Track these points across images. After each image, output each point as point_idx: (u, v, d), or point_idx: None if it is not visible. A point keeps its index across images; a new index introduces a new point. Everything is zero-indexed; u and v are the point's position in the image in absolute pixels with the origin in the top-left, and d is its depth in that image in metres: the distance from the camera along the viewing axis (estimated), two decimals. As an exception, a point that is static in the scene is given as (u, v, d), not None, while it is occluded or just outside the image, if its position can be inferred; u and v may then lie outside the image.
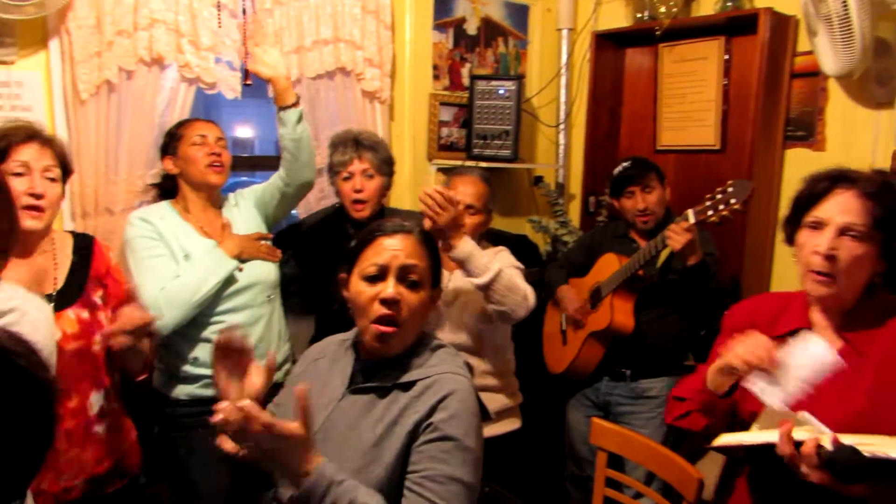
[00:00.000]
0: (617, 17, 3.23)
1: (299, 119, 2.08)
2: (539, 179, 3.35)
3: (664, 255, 2.27)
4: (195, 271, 1.91)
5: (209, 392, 1.94)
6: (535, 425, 2.27)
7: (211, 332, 1.96)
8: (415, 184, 3.02)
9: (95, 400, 1.68)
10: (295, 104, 2.07)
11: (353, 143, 2.25)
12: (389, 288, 1.25)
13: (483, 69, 3.21)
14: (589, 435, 1.95)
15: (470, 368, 1.34)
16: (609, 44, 3.20)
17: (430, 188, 1.74)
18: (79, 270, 1.71)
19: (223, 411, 1.03)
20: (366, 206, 2.22)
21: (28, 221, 1.59)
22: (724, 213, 1.99)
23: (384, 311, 1.24)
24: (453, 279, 2.04)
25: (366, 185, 2.21)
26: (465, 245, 1.80)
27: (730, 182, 2.00)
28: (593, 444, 1.93)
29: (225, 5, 2.39)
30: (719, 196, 2.00)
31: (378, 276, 1.27)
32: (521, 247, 2.87)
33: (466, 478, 1.16)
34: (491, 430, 2.02)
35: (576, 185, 3.41)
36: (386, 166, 2.29)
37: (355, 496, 1.08)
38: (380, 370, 1.29)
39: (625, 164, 2.45)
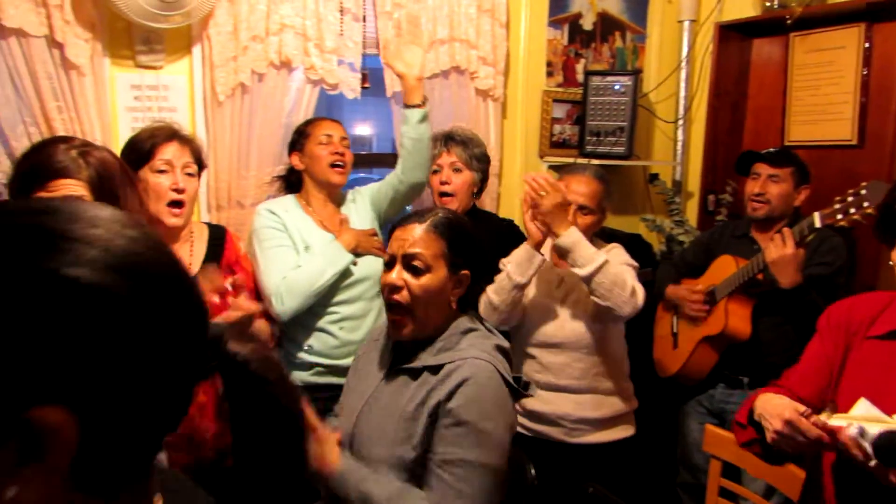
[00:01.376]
0: (743, 7, 3.07)
1: (423, 119, 2.12)
2: (654, 177, 3.25)
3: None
4: (315, 263, 2.01)
5: (321, 380, 2.05)
6: (648, 430, 2.22)
7: (325, 321, 2.06)
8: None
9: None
10: (421, 104, 2.12)
11: (444, 137, 2.30)
12: (392, 275, 1.35)
13: (598, 65, 3.15)
14: (703, 442, 1.88)
15: (506, 353, 1.37)
16: (734, 35, 3.05)
17: (532, 172, 1.75)
18: (212, 258, 1.86)
19: None
20: (452, 200, 2.25)
21: (170, 220, 1.74)
22: (856, 216, 1.84)
23: (389, 297, 1.36)
24: (567, 277, 2.03)
25: (452, 179, 2.24)
26: (571, 234, 1.79)
27: (864, 184, 1.85)
28: (707, 451, 1.86)
29: (348, 9, 2.51)
30: (851, 198, 1.86)
31: (389, 265, 1.38)
32: (634, 246, 2.79)
33: (481, 459, 1.23)
34: (603, 436, 2.00)
35: (694, 183, 3.28)
36: (477, 162, 2.30)
37: (359, 484, 1.23)
38: (414, 352, 1.38)
39: (770, 149, 2.32)
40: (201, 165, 1.88)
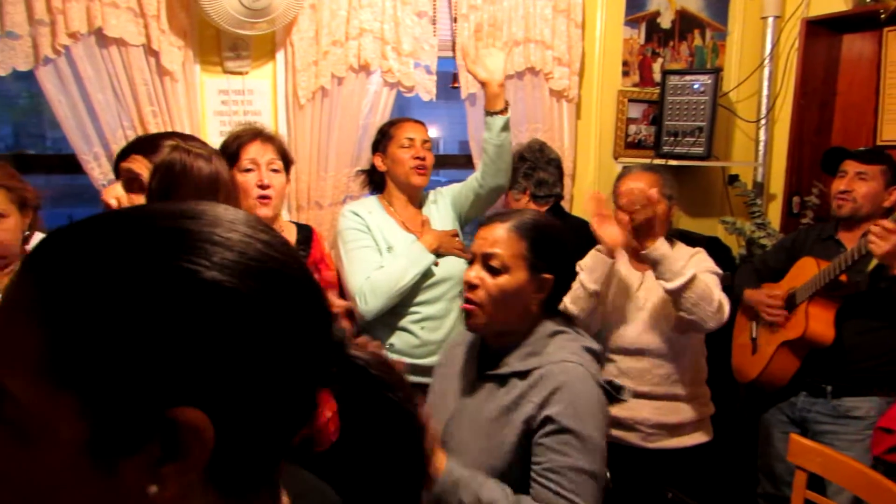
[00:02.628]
0: (833, 2, 2.94)
1: (505, 126, 2.12)
2: (735, 178, 3.15)
3: (876, 259, 2.04)
4: (398, 263, 2.05)
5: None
6: (726, 437, 2.16)
7: (407, 321, 2.10)
8: (599, 182, 2.99)
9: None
10: (504, 110, 2.12)
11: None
12: (471, 272, 1.36)
13: (676, 64, 3.08)
14: (785, 452, 1.82)
15: (595, 355, 1.34)
16: (822, 30, 2.92)
17: (630, 185, 1.76)
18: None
19: None
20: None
21: (261, 210, 1.82)
22: None
23: (465, 294, 1.37)
24: (646, 281, 2.00)
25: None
26: (661, 247, 1.77)
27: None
28: (791, 462, 1.80)
29: (424, 13, 2.55)
30: None
31: (471, 262, 1.39)
32: (712, 249, 2.72)
33: (588, 466, 1.20)
34: (680, 442, 1.96)
35: (777, 185, 3.16)
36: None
37: (479, 491, 1.18)
38: (501, 357, 1.36)
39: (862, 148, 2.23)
40: (287, 161, 1.96)
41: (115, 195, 1.20)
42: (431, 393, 1.54)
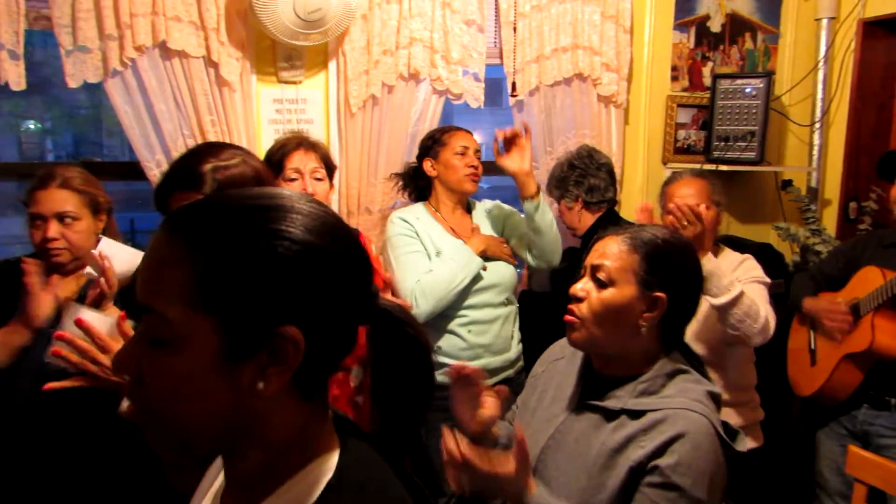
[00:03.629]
0: (890, 2, 2.85)
1: (537, 208, 2.16)
2: (788, 183, 3.09)
3: None
4: (447, 266, 2.08)
5: (448, 380, 2.12)
6: (778, 445, 2.12)
7: (455, 324, 2.13)
8: (648, 188, 2.97)
9: (356, 374, 1.93)
10: (536, 194, 2.15)
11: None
12: (578, 285, 1.27)
13: (727, 67, 3.04)
14: (843, 465, 1.77)
15: (717, 402, 1.23)
16: (881, 31, 2.85)
17: (681, 192, 1.75)
18: None
19: (452, 460, 1.17)
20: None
21: None
22: None
23: (570, 306, 1.27)
24: None
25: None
26: (708, 263, 1.76)
27: None
28: (849, 475, 1.76)
29: (473, 21, 2.58)
30: None
31: (582, 275, 1.31)
32: (764, 256, 2.67)
33: None
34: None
35: (832, 190, 3.09)
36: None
37: None
38: (609, 387, 1.25)
39: None
40: (330, 168, 2.00)
41: None
42: (523, 405, 1.45)
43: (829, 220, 3.06)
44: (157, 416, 0.62)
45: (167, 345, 0.60)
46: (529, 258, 2.29)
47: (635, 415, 1.18)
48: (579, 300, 1.25)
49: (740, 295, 1.74)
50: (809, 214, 2.95)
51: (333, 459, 0.67)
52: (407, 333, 0.72)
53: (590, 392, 1.27)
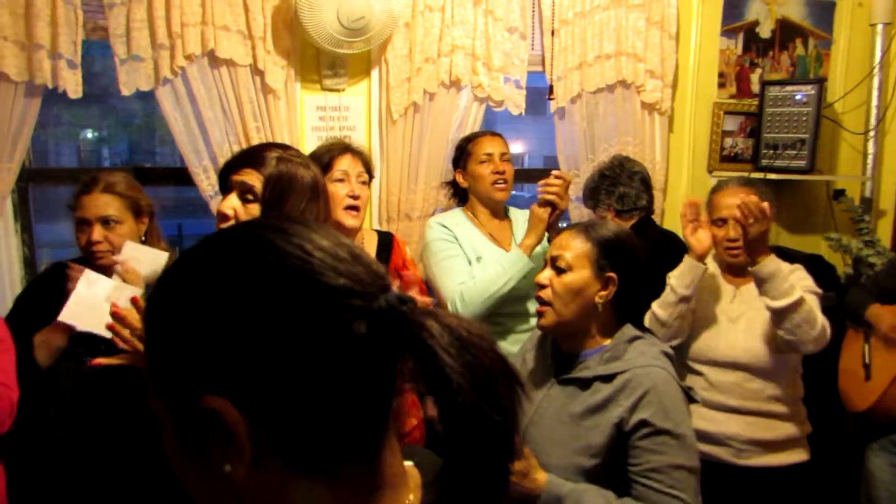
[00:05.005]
0: (953, 5, 2.75)
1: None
2: (840, 193, 2.98)
3: None
4: (492, 269, 2.05)
5: None
6: (825, 459, 2.04)
7: (494, 332, 2.10)
8: (692, 196, 2.91)
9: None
10: None
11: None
12: (542, 274, 1.45)
13: (776, 74, 2.97)
14: (893, 483, 1.70)
15: (671, 359, 1.38)
16: (940, 36, 2.74)
17: (745, 198, 1.73)
18: (381, 261, 1.99)
19: None
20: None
21: (349, 220, 1.90)
22: None
23: (537, 293, 1.45)
24: (741, 294, 1.94)
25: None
26: (771, 263, 1.74)
27: None
28: (902, 495, 1.68)
29: (515, 28, 2.58)
30: None
31: (545, 266, 1.48)
32: (814, 267, 2.58)
33: (687, 462, 1.26)
34: (774, 460, 1.87)
35: (887, 200, 2.98)
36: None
37: (582, 501, 1.25)
38: (575, 360, 1.41)
39: None
40: (371, 174, 2.04)
41: (232, 206, 1.28)
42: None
43: (884, 231, 2.95)
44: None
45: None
46: None
47: (607, 378, 1.34)
48: (543, 287, 1.42)
49: (800, 300, 1.70)
50: (863, 225, 2.85)
51: None
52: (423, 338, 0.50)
53: (561, 370, 1.44)
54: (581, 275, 1.40)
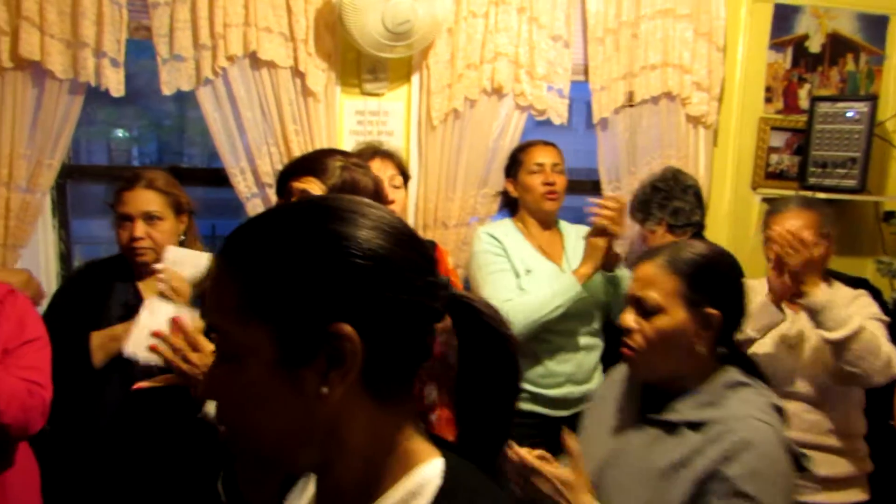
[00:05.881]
0: None
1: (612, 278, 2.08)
2: (892, 215, 2.88)
3: None
4: (544, 292, 1.99)
5: (524, 406, 2.05)
6: (886, 502, 1.95)
7: (542, 349, 2.05)
8: (735, 214, 2.83)
9: (428, 392, 1.89)
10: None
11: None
12: (627, 316, 1.25)
13: (825, 90, 2.88)
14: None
15: (781, 414, 1.19)
16: None
17: (782, 229, 1.65)
18: None
19: (518, 465, 1.19)
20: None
21: None
22: None
23: (623, 338, 1.25)
24: (799, 320, 1.86)
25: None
26: (820, 294, 1.64)
27: None
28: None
29: (559, 36, 2.53)
30: None
31: (627, 304, 1.28)
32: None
33: None
34: (832, 498, 1.79)
35: (940, 224, 2.87)
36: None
37: None
38: (667, 398, 1.22)
39: None
40: (406, 177, 2.00)
41: None
42: (583, 431, 1.43)
43: (937, 255, 2.84)
44: (237, 432, 0.63)
45: (231, 359, 0.61)
46: (610, 308, 2.16)
47: (697, 426, 1.16)
48: (631, 332, 1.24)
49: (859, 330, 1.61)
50: (914, 248, 2.75)
51: (437, 466, 0.64)
52: (488, 326, 0.68)
53: (649, 407, 1.25)
54: (674, 317, 1.19)
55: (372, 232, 0.62)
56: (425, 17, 2.29)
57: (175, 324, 1.22)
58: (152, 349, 1.20)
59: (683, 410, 1.19)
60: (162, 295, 1.54)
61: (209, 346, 1.19)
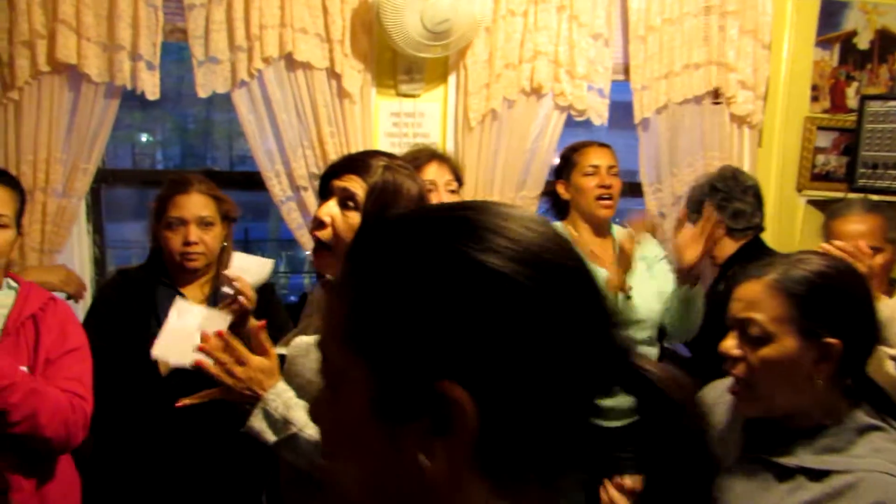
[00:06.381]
0: None
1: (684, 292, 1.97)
2: (945, 217, 2.78)
3: None
4: None
5: None
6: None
7: None
8: (779, 216, 2.74)
9: None
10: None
11: None
12: (729, 342, 1.08)
13: (874, 88, 2.79)
14: None
15: None
16: None
17: (838, 243, 1.55)
18: None
19: None
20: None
21: None
22: None
23: (727, 367, 1.08)
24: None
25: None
26: (883, 309, 1.53)
27: None
28: None
29: (600, 34, 2.47)
30: None
31: (730, 328, 1.10)
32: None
33: None
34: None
35: None
36: None
37: None
38: (780, 440, 1.06)
39: None
40: (460, 181, 1.95)
41: (330, 213, 1.21)
42: None
43: None
44: (329, 469, 0.54)
45: (331, 386, 0.52)
46: (665, 322, 2.06)
47: (817, 475, 0.99)
48: (736, 362, 1.08)
49: None
50: (970, 252, 2.64)
51: None
52: (677, 423, 0.52)
53: (757, 444, 1.08)
54: (785, 345, 1.03)
55: (521, 266, 0.47)
56: (464, 15, 2.24)
57: (220, 337, 1.18)
58: (196, 364, 1.16)
59: (803, 455, 1.03)
60: (224, 295, 1.53)
61: (255, 361, 1.15)
